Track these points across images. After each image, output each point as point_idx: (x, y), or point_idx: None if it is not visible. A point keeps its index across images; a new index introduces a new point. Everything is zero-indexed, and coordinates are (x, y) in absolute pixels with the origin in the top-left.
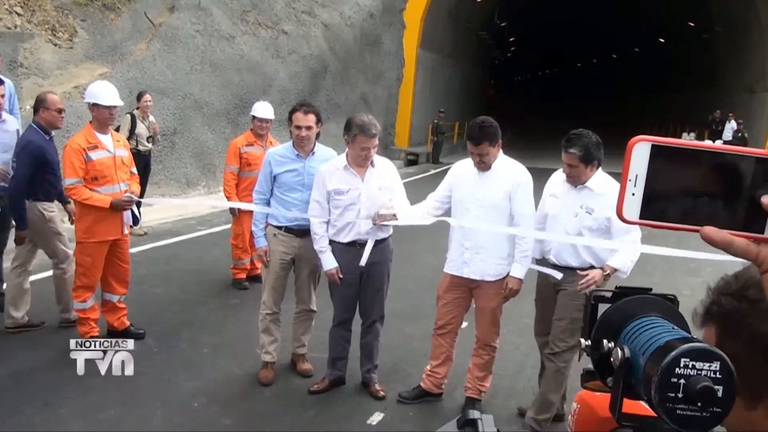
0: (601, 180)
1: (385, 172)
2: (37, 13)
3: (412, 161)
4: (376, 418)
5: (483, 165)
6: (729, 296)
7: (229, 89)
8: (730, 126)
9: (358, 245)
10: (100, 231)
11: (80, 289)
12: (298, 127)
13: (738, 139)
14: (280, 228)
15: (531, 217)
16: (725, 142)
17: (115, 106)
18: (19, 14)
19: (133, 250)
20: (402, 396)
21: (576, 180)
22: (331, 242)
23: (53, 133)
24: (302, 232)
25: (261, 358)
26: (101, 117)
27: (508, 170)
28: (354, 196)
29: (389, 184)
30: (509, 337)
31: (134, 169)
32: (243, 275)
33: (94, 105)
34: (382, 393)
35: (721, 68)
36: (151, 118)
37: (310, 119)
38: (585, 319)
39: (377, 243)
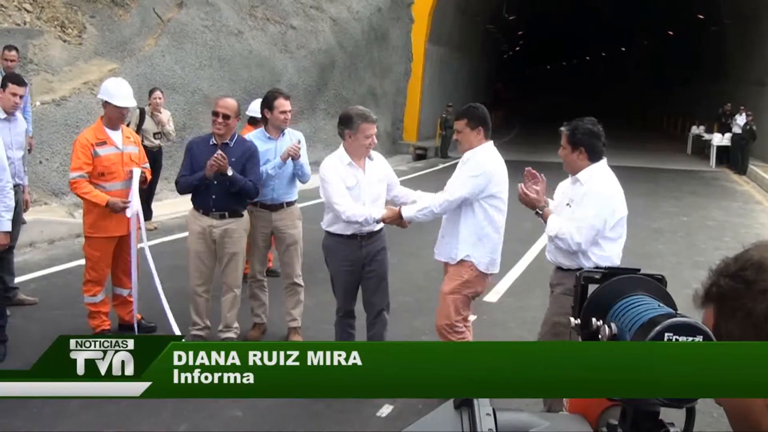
0: (591, 174)
1: (381, 164)
2: (46, 9)
3: (420, 155)
4: (385, 410)
5: (459, 144)
6: (727, 277)
7: (238, 84)
8: (741, 119)
9: (359, 238)
10: (105, 227)
11: (89, 283)
12: (284, 112)
13: (747, 132)
14: (255, 204)
15: (450, 193)
16: (734, 135)
17: (127, 108)
18: (28, 11)
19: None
20: None
21: (567, 166)
22: (333, 235)
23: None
24: (276, 206)
25: (251, 320)
26: (112, 115)
27: (474, 159)
28: (359, 190)
29: (384, 175)
30: (516, 331)
31: (147, 165)
32: None
33: (106, 102)
34: None
35: (730, 61)
36: (166, 113)
37: (290, 104)
38: (575, 298)
39: (375, 233)
